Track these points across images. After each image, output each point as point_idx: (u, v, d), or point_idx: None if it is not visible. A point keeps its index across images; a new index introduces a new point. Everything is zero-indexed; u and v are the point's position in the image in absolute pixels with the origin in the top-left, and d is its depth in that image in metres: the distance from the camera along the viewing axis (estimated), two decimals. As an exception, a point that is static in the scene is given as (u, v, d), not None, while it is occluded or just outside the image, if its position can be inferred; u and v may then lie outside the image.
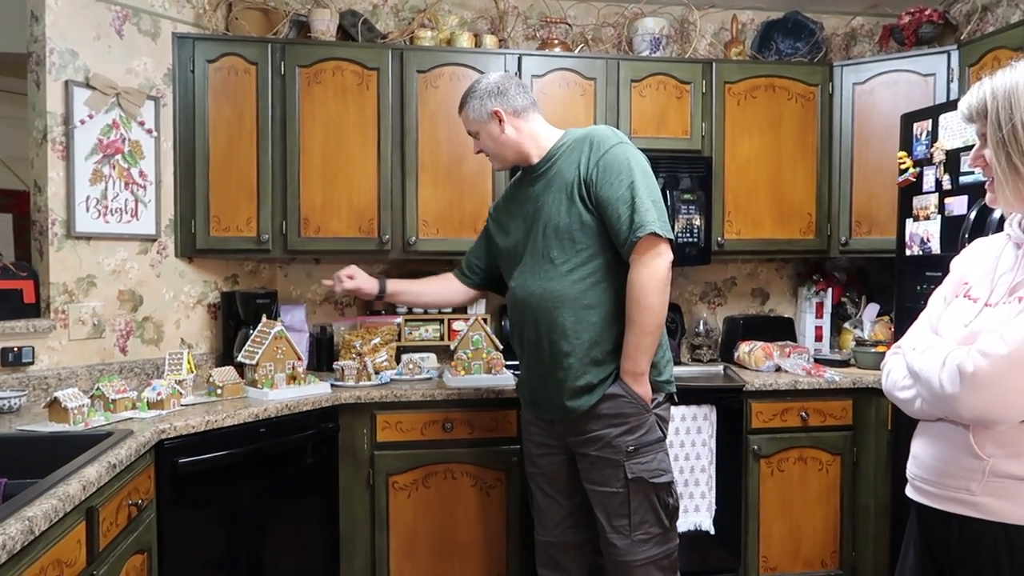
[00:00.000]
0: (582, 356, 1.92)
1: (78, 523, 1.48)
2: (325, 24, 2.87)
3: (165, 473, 2.01)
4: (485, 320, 2.80)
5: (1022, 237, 1.29)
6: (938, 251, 2.48)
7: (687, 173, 2.93)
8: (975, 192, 2.29)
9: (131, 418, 2.06)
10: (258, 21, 2.90)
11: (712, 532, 2.69)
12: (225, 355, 2.84)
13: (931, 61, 2.89)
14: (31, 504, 1.33)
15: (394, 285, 2.37)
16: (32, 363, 2.33)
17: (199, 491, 2.10)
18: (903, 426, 2.28)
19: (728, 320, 3.32)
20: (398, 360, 2.87)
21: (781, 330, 3.23)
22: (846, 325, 3.26)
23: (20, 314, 2.34)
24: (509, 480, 2.60)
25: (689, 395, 2.63)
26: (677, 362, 3.01)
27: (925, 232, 2.54)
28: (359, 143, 2.79)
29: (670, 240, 1.88)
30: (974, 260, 1.39)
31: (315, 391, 2.47)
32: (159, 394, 2.17)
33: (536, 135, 2.05)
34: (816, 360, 2.97)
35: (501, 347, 2.76)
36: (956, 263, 1.44)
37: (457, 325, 3.02)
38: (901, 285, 2.65)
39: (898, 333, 2.65)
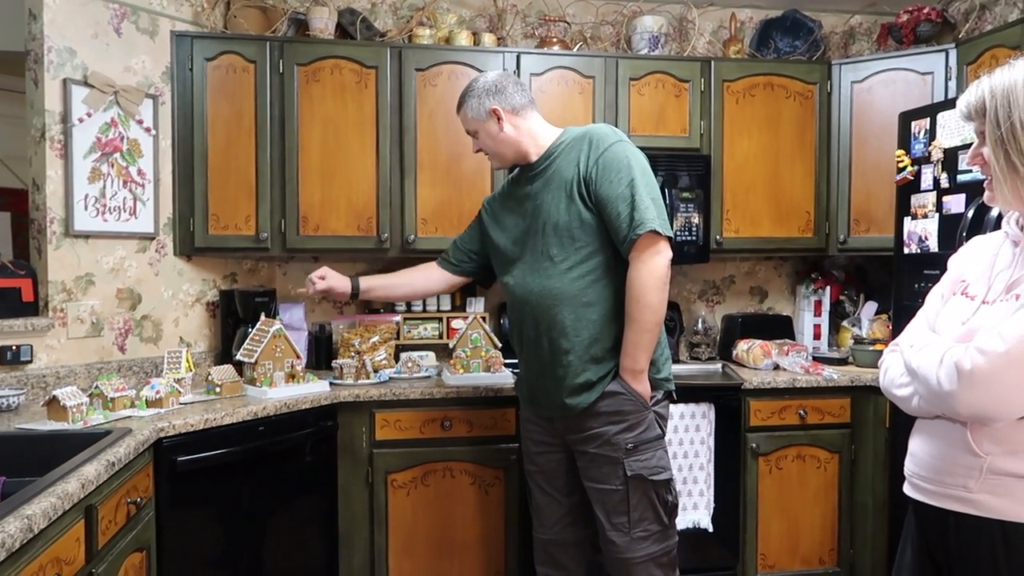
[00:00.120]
0: (581, 353, 1.92)
1: (77, 521, 1.48)
2: (323, 22, 2.86)
3: (164, 471, 2.01)
4: (484, 318, 2.80)
5: (1020, 235, 1.29)
6: (936, 249, 2.48)
7: (686, 171, 2.93)
8: (973, 190, 2.29)
9: (130, 416, 2.06)
10: (256, 19, 2.89)
11: (710, 530, 2.69)
12: (224, 353, 2.84)
13: (929, 59, 2.89)
14: (30, 502, 1.33)
15: (367, 282, 2.35)
16: (31, 361, 2.33)
17: (198, 489, 2.10)
18: (901, 424, 2.28)
19: (727, 318, 3.33)
20: (397, 358, 2.87)
21: (779, 328, 3.23)
22: (844, 323, 3.26)
23: (19, 312, 2.34)
24: (508, 478, 2.61)
25: (688, 393, 2.63)
26: (676, 360, 3.01)
27: (923, 230, 2.54)
28: (358, 141, 2.79)
29: (669, 238, 1.88)
30: (972, 258, 1.39)
31: (314, 389, 2.46)
32: (158, 392, 2.17)
33: (535, 133, 2.05)
34: (814, 358, 2.97)
35: (500, 345, 2.76)
36: (954, 261, 1.44)
37: (456, 323, 3.02)
38: (899, 283, 2.66)
39: (896, 331, 2.66)
